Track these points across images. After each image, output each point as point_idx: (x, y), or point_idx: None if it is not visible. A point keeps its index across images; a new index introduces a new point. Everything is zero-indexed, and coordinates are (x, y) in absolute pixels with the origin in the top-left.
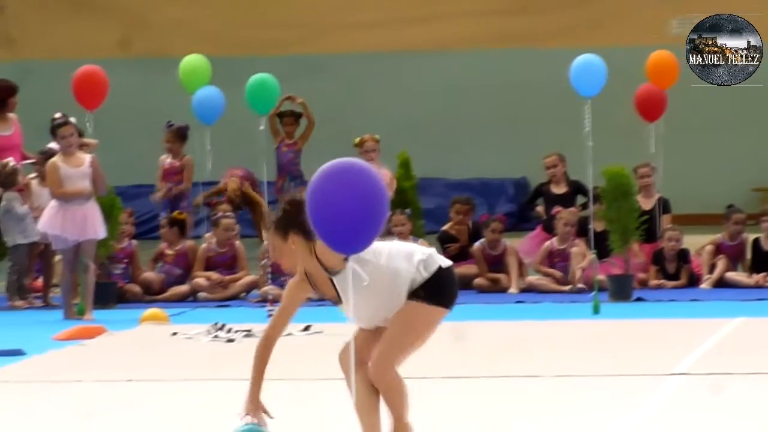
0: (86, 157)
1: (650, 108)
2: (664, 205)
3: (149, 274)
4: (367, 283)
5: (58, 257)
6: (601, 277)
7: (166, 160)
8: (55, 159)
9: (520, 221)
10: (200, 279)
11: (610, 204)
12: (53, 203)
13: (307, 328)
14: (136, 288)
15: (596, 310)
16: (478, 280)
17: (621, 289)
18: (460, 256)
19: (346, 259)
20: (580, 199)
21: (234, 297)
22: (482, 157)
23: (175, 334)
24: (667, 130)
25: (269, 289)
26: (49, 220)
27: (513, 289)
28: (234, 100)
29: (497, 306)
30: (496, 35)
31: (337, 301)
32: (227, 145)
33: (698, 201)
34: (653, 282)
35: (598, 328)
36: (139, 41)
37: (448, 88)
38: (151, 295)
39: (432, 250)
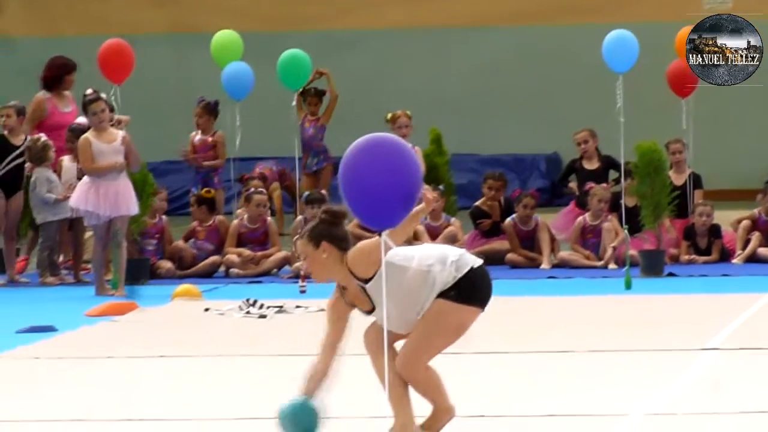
0: (119, 133)
1: (682, 83)
2: (695, 181)
3: (180, 243)
4: (401, 286)
5: (89, 233)
6: (632, 252)
7: (196, 136)
8: (87, 135)
9: (552, 197)
10: (232, 255)
11: (642, 179)
12: (85, 179)
13: None
14: (168, 264)
15: (628, 286)
16: (510, 256)
17: (653, 265)
18: (492, 232)
19: (379, 234)
20: (612, 175)
21: (266, 273)
22: (514, 133)
23: (207, 310)
24: (699, 105)
25: (301, 265)
26: (82, 196)
27: (545, 265)
28: (265, 75)
29: (529, 281)
30: (528, 11)
31: (370, 310)
32: (258, 121)
33: (730, 176)
34: (684, 257)
35: (630, 303)
36: (171, 16)
37: (481, 64)
38: (182, 269)
39: (463, 251)
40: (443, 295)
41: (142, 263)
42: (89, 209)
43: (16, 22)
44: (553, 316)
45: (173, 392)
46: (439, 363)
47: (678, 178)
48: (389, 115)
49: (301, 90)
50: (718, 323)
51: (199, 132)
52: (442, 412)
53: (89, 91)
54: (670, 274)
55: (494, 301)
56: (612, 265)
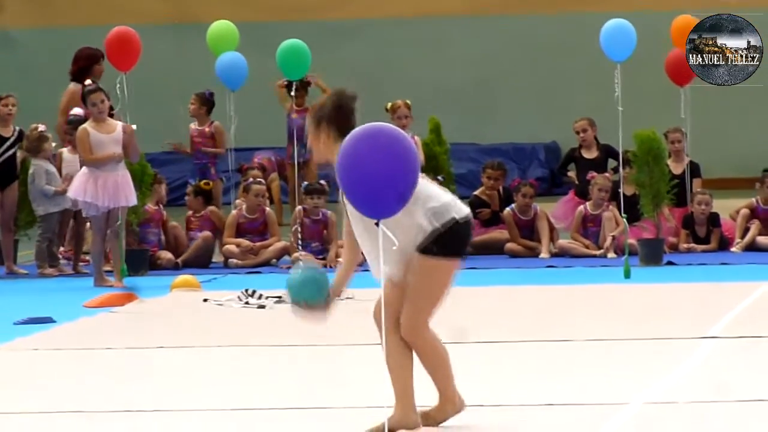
0: (118, 124)
1: (680, 72)
2: (694, 170)
3: (175, 224)
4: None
5: (89, 224)
6: (631, 241)
7: (194, 126)
8: (85, 125)
9: (551, 186)
10: (231, 246)
11: (641, 168)
12: (84, 170)
13: None
14: (168, 254)
15: (627, 275)
16: (509, 245)
17: (652, 253)
18: (491, 221)
19: (377, 224)
20: (611, 164)
21: (265, 263)
22: (513, 122)
23: (206, 300)
24: (698, 94)
25: (300, 255)
26: (80, 187)
27: (544, 254)
28: (264, 65)
29: (528, 270)
30: (527, 0)
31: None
32: (256, 110)
33: (728, 165)
34: (683, 246)
35: (629, 292)
36: (171, 6)
37: (479, 53)
38: (178, 256)
39: (449, 199)
40: (426, 251)
41: (141, 254)
42: (88, 200)
43: (14, 15)
44: (552, 305)
45: (172, 383)
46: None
47: (677, 167)
48: (389, 105)
49: (286, 82)
50: (717, 312)
51: (196, 122)
52: (447, 402)
53: (88, 81)
54: (669, 263)
55: (493, 291)
56: (611, 254)
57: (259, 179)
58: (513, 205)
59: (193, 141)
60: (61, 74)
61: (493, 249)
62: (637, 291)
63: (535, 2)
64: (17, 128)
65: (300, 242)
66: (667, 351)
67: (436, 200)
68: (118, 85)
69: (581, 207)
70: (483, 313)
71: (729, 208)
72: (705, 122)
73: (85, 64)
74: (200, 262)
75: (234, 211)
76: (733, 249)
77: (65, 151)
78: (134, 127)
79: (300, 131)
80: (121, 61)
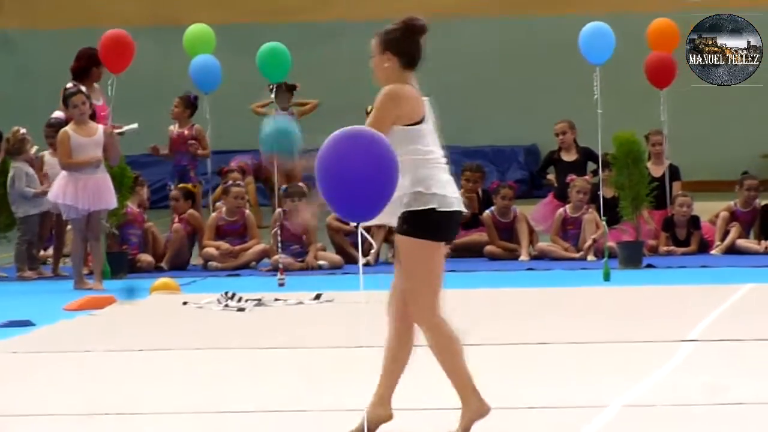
0: (99, 127)
1: (660, 75)
2: (673, 172)
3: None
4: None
5: (69, 227)
6: (611, 244)
7: (174, 130)
8: (66, 128)
9: (531, 188)
10: (210, 249)
11: (620, 170)
12: (64, 173)
13: (318, 297)
14: (148, 257)
15: (606, 277)
16: (488, 248)
17: (631, 256)
18: (470, 224)
19: (356, 227)
20: (591, 166)
21: (245, 266)
22: (493, 125)
23: (185, 303)
24: (677, 97)
25: (280, 257)
26: (60, 190)
27: (524, 257)
28: (244, 67)
29: (508, 273)
30: (506, 2)
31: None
32: (235, 113)
33: (708, 168)
34: (663, 249)
35: (609, 295)
36: (152, 9)
37: (459, 56)
38: (156, 256)
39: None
40: (401, 231)
41: (121, 257)
42: (68, 203)
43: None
44: (531, 307)
45: (152, 386)
46: (417, 357)
47: (656, 170)
48: (369, 108)
49: (271, 86)
50: (697, 314)
51: (177, 125)
52: (463, 406)
53: (69, 84)
54: (649, 266)
55: (473, 294)
56: (591, 257)
57: (238, 182)
58: (492, 208)
59: (172, 143)
60: (56, 75)
61: (473, 251)
62: (616, 294)
63: (514, 5)
64: None
65: (280, 244)
66: (647, 354)
67: (426, 186)
68: (109, 87)
69: (561, 210)
70: (462, 315)
71: (708, 211)
72: (684, 125)
73: (84, 65)
74: (180, 258)
75: (213, 214)
76: (712, 252)
77: (47, 154)
78: (136, 125)
79: None
80: (114, 63)
